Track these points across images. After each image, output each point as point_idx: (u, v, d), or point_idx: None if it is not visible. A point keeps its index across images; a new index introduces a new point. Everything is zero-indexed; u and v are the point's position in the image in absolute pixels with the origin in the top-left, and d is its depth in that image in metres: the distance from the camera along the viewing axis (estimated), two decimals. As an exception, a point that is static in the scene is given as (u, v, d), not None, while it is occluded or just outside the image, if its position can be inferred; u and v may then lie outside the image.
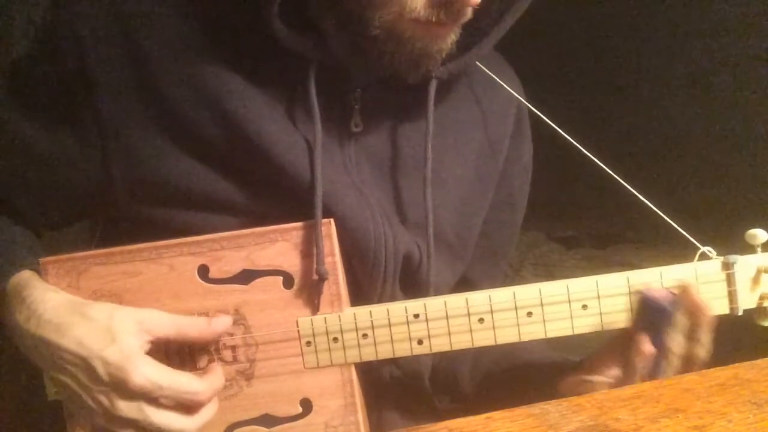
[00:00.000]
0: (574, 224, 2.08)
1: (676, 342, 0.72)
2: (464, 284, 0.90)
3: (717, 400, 0.61)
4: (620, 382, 0.74)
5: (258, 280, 0.74)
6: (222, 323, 0.73)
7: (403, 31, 0.70)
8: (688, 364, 0.73)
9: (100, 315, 0.69)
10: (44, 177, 0.79)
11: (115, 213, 0.79)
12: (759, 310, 0.76)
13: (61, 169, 0.78)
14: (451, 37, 0.73)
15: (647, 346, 0.71)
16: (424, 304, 0.75)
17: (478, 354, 0.92)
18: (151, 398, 0.67)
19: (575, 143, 0.81)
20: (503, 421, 0.61)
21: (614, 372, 0.76)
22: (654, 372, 0.72)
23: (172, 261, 0.74)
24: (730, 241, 0.78)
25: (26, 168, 0.79)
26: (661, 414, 0.59)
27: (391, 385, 0.85)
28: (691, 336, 0.72)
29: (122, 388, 0.66)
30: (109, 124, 0.75)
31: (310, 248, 0.73)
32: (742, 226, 0.76)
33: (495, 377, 0.90)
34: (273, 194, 0.76)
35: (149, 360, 0.68)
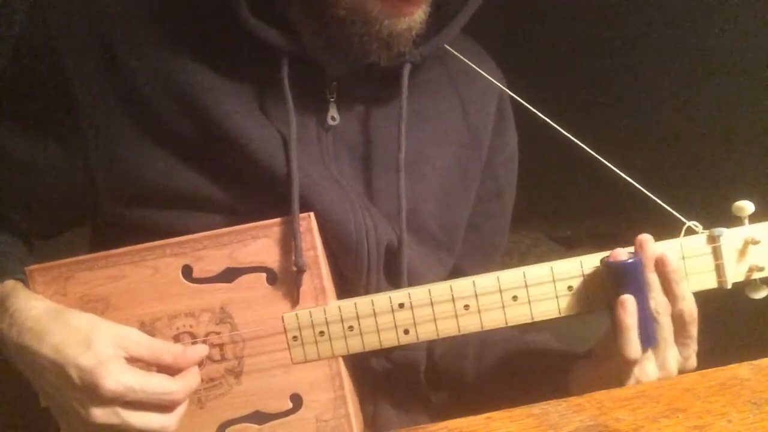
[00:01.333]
0: (574, 224, 2.06)
1: (657, 301, 0.71)
2: (458, 277, 0.90)
3: (717, 400, 0.61)
4: (627, 363, 0.71)
5: (242, 278, 0.75)
6: (197, 352, 0.74)
7: (370, 10, 0.71)
8: (680, 322, 0.71)
9: (80, 323, 0.70)
10: (29, 184, 0.80)
11: (101, 218, 0.80)
12: (748, 283, 0.75)
13: (45, 175, 0.79)
14: (420, 15, 0.73)
15: (628, 312, 0.70)
16: (409, 293, 0.75)
17: (481, 349, 0.91)
18: (126, 402, 0.67)
19: (553, 123, 0.81)
20: (503, 421, 0.60)
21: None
22: (648, 339, 0.71)
23: (156, 263, 0.75)
24: (722, 222, 0.77)
25: (10, 176, 0.80)
26: (661, 414, 0.59)
27: (385, 380, 0.85)
28: (669, 292, 0.71)
29: (96, 394, 0.66)
30: (90, 128, 0.76)
31: (291, 243, 0.74)
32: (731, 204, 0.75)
33: (500, 371, 0.89)
34: (253, 190, 0.76)
35: (122, 365, 0.68)
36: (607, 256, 0.73)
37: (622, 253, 0.73)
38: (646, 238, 0.72)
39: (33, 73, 0.77)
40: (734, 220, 0.75)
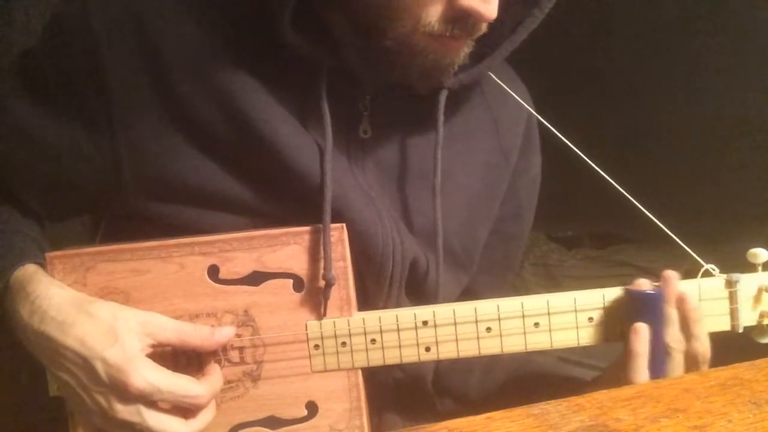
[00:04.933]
0: (574, 224, 2.08)
1: (671, 337, 0.73)
2: (469, 296, 0.89)
3: (717, 400, 0.61)
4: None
5: (268, 282, 0.74)
6: (225, 334, 0.73)
7: (416, 43, 0.70)
8: (692, 361, 0.74)
9: (103, 314, 0.68)
10: (53, 170, 0.78)
11: (122, 208, 0.78)
12: (759, 328, 0.78)
13: (70, 162, 0.77)
14: (464, 50, 0.73)
15: (641, 339, 0.72)
16: (433, 312, 0.75)
17: (488, 366, 0.92)
18: (150, 401, 0.67)
19: (583, 155, 0.81)
20: (503, 421, 0.60)
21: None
22: (658, 371, 0.73)
23: (183, 260, 0.73)
24: (729, 251, 0.79)
25: (35, 160, 0.78)
26: (661, 414, 0.59)
27: (392, 387, 0.85)
28: (686, 330, 0.73)
29: (121, 390, 0.66)
30: (121, 118, 0.74)
31: (320, 252, 0.73)
32: (740, 231, 0.76)
33: (506, 391, 0.89)
34: (283, 195, 0.76)
35: (149, 363, 0.67)
36: (631, 285, 0.75)
37: (645, 284, 0.75)
38: (672, 274, 0.75)
39: (67, 59, 0.74)
40: (747, 264, 0.77)
